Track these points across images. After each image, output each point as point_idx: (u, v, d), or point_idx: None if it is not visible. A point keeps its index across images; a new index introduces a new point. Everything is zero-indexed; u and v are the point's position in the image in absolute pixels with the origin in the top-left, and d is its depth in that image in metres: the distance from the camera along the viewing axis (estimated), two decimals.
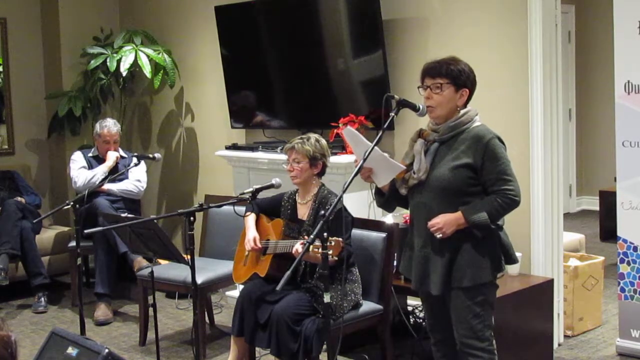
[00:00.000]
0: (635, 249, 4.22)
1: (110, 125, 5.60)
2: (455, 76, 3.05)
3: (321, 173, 3.95)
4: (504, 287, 3.87)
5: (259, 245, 3.91)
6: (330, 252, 2.95)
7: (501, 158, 3.02)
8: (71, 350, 2.50)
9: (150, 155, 5.16)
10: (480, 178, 3.03)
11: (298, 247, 3.59)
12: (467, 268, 3.04)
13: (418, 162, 3.09)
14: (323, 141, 3.94)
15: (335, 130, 4.89)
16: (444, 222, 3.00)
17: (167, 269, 4.67)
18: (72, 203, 4.32)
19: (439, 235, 3.01)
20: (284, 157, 4.06)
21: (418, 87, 3.13)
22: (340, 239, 3.12)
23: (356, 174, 3.00)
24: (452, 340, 3.19)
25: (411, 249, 3.21)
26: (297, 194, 3.98)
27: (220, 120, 6.08)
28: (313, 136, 3.94)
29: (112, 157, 5.56)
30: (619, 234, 4.27)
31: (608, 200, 6.64)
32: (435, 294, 3.12)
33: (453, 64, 3.07)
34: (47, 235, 6.02)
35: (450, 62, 3.07)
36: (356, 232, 4.00)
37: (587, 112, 8.44)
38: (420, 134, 3.17)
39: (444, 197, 3.03)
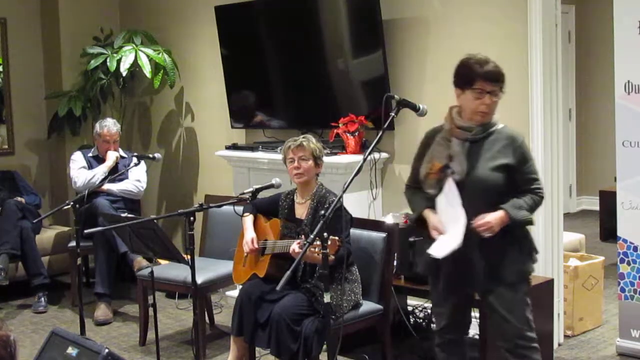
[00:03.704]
0: (635, 249, 4.22)
1: (110, 125, 5.60)
2: (505, 81, 3.10)
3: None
4: None
5: (257, 246, 3.91)
6: (327, 251, 2.95)
7: (532, 158, 3.14)
8: (71, 350, 2.50)
9: (150, 155, 5.16)
10: (515, 177, 3.07)
11: (295, 247, 3.59)
12: (512, 264, 3.09)
13: (458, 163, 3.06)
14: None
15: (335, 130, 4.89)
16: (494, 220, 3.00)
17: (167, 269, 4.67)
18: (72, 203, 4.32)
19: (487, 235, 3.01)
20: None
21: (474, 89, 3.04)
22: (336, 238, 3.11)
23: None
24: (462, 340, 3.22)
25: None
26: (295, 194, 3.98)
27: (220, 120, 6.08)
28: (311, 136, 3.95)
29: (112, 157, 5.56)
30: (619, 234, 4.27)
31: (608, 200, 6.63)
32: (477, 293, 3.15)
33: (500, 68, 3.09)
34: (47, 235, 6.02)
35: (499, 66, 3.09)
36: (356, 232, 4.00)
37: (587, 112, 8.44)
38: (448, 133, 3.13)
39: (484, 197, 3.03)
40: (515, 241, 3.11)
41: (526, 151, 3.12)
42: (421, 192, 3.18)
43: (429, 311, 4.53)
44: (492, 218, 3.00)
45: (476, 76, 3.04)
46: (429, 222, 3.11)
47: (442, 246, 3.04)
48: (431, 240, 3.11)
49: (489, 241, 3.03)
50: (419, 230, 3.26)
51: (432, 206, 3.12)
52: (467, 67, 3.08)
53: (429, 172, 3.09)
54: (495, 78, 3.05)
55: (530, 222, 3.10)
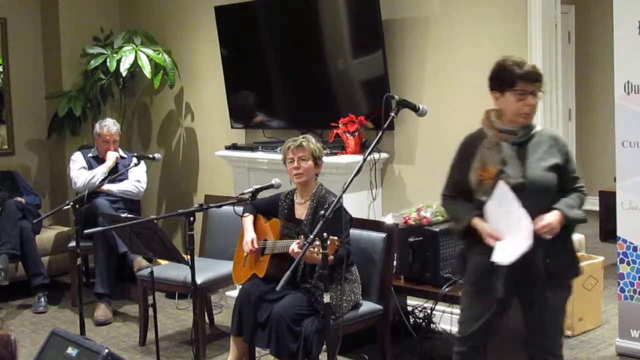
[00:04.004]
0: (635, 249, 4.22)
1: (109, 125, 5.60)
2: (543, 80, 3.05)
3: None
4: None
5: (257, 246, 3.91)
6: (327, 251, 2.96)
7: (573, 157, 3.13)
8: (71, 350, 2.50)
9: (150, 156, 5.17)
10: (563, 177, 3.05)
11: (294, 247, 3.59)
12: (568, 265, 3.09)
13: (513, 166, 3.00)
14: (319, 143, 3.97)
15: (335, 131, 4.89)
16: (555, 221, 2.96)
17: (167, 269, 4.67)
18: (72, 203, 4.32)
19: (548, 236, 2.96)
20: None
21: (515, 90, 2.98)
22: (335, 238, 3.11)
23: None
24: (484, 348, 3.18)
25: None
26: (295, 194, 3.98)
27: (220, 120, 6.08)
28: (310, 137, 3.95)
29: (111, 157, 5.56)
30: (618, 234, 4.27)
31: (608, 200, 6.63)
32: (538, 296, 3.08)
33: (537, 67, 3.05)
34: (47, 235, 6.02)
35: (536, 66, 3.05)
36: (355, 232, 4.00)
37: (587, 112, 8.44)
38: (496, 137, 3.06)
39: (539, 198, 2.98)
40: (568, 241, 3.09)
41: (569, 150, 3.10)
42: (462, 200, 3.11)
43: (429, 311, 4.53)
44: (553, 219, 2.96)
45: (517, 78, 2.98)
46: (481, 230, 3.01)
47: (507, 251, 2.94)
48: (481, 248, 3.02)
49: (548, 242, 2.97)
50: (465, 239, 3.16)
51: (480, 214, 3.04)
52: (505, 69, 3.01)
53: (482, 178, 3.01)
54: (536, 78, 3.01)
55: (585, 220, 3.09)
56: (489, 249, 2.98)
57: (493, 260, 2.95)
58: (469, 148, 3.10)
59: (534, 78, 3.00)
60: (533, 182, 2.98)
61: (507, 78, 3.00)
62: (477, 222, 3.04)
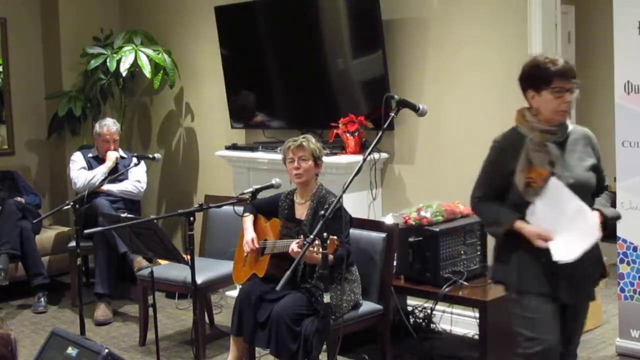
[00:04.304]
0: (635, 249, 4.22)
1: (109, 124, 5.60)
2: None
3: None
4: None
5: (257, 246, 3.91)
6: (326, 251, 2.95)
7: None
8: (71, 350, 2.50)
9: (150, 156, 5.17)
10: (597, 177, 3.02)
11: (294, 246, 3.59)
12: (597, 266, 3.08)
13: (561, 167, 2.93)
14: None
15: (335, 131, 4.89)
16: (600, 222, 2.92)
17: (167, 269, 4.67)
18: (72, 203, 4.32)
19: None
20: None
21: (553, 88, 2.89)
22: (335, 237, 3.11)
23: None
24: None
25: (547, 258, 2.90)
26: (295, 194, 3.98)
27: (220, 120, 6.08)
28: (311, 137, 3.95)
29: (111, 157, 5.56)
30: (618, 234, 4.27)
31: None
32: (586, 298, 3.08)
33: (571, 63, 2.98)
34: (47, 235, 6.02)
35: (569, 61, 2.97)
36: (355, 232, 4.00)
37: (587, 112, 8.43)
38: (541, 137, 2.98)
39: (584, 198, 2.92)
40: (597, 243, 3.04)
41: (599, 148, 3.06)
42: (497, 203, 3.02)
43: (429, 311, 4.53)
44: (599, 220, 2.92)
45: (553, 75, 2.90)
46: (528, 233, 2.90)
47: (567, 249, 2.85)
48: (523, 251, 2.95)
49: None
50: (506, 242, 3.03)
51: (520, 217, 2.94)
52: (540, 67, 2.93)
53: (531, 180, 2.91)
54: (572, 74, 2.94)
55: (620, 217, 3.08)
56: (535, 251, 2.90)
57: (555, 259, 2.84)
58: (506, 149, 2.99)
59: (570, 75, 2.93)
60: (579, 182, 2.93)
61: (543, 76, 2.91)
62: (520, 224, 2.94)
